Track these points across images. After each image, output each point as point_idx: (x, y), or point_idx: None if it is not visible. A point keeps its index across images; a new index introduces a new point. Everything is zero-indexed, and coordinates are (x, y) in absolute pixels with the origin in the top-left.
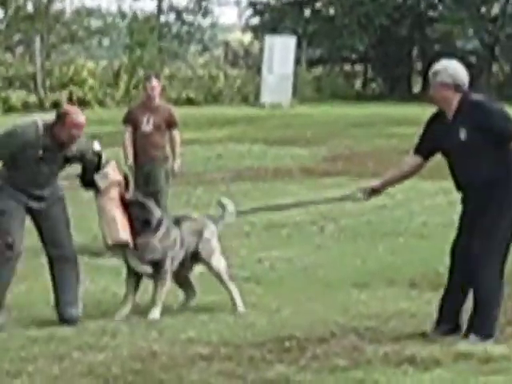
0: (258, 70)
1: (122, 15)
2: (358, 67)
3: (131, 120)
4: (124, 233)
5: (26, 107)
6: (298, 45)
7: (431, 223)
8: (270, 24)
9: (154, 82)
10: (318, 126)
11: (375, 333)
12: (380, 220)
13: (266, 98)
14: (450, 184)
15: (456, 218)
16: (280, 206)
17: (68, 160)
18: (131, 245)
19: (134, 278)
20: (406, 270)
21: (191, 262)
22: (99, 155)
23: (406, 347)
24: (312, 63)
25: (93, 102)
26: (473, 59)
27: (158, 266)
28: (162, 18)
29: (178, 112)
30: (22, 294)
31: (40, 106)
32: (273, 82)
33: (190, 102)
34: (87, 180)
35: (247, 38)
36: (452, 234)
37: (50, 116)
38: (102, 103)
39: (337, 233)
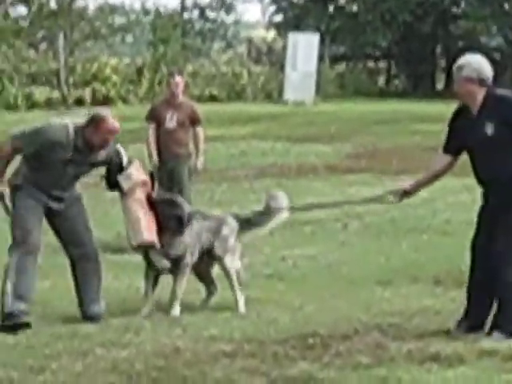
0: (282, 67)
1: (146, 12)
2: (382, 64)
3: (154, 117)
4: (149, 234)
5: (49, 104)
6: (322, 42)
7: (455, 220)
8: (293, 21)
9: (178, 79)
10: (342, 123)
11: (399, 330)
12: (404, 217)
13: (289, 95)
14: (473, 181)
15: None
16: (327, 204)
17: (94, 164)
18: (158, 246)
19: (153, 273)
20: (430, 267)
21: (208, 258)
22: (120, 155)
23: (429, 344)
24: (335, 60)
25: (116, 99)
26: (497, 56)
27: (177, 260)
28: (186, 15)
29: (201, 109)
30: (45, 290)
31: (63, 103)
32: (296, 79)
33: (213, 98)
34: (111, 181)
35: (270, 34)
36: None
37: (81, 119)
38: (125, 100)
39: (360, 230)
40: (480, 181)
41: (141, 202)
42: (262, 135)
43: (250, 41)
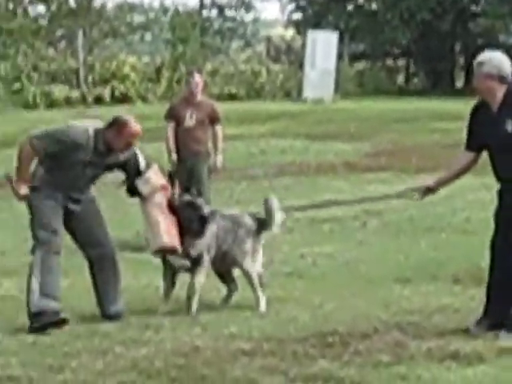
0: (300, 66)
1: (164, 10)
2: (401, 62)
3: (174, 116)
4: (168, 237)
5: (69, 102)
6: (341, 40)
7: (474, 219)
8: (312, 19)
9: (197, 78)
10: (361, 121)
11: (418, 328)
12: (422, 215)
13: (308, 93)
14: (492, 179)
15: None
16: (348, 201)
17: (110, 166)
18: (179, 250)
19: (171, 271)
20: (449, 266)
21: (229, 261)
22: (138, 158)
23: (449, 343)
24: (354, 58)
25: (135, 98)
26: None
27: (196, 259)
28: (204, 13)
29: (221, 107)
30: (65, 289)
31: (82, 101)
32: (315, 77)
33: (232, 97)
34: (130, 186)
35: (289, 33)
36: None
37: (100, 123)
38: (143, 98)
39: (379, 228)
40: (499, 178)
41: (160, 207)
42: (281, 133)
43: (268, 39)
